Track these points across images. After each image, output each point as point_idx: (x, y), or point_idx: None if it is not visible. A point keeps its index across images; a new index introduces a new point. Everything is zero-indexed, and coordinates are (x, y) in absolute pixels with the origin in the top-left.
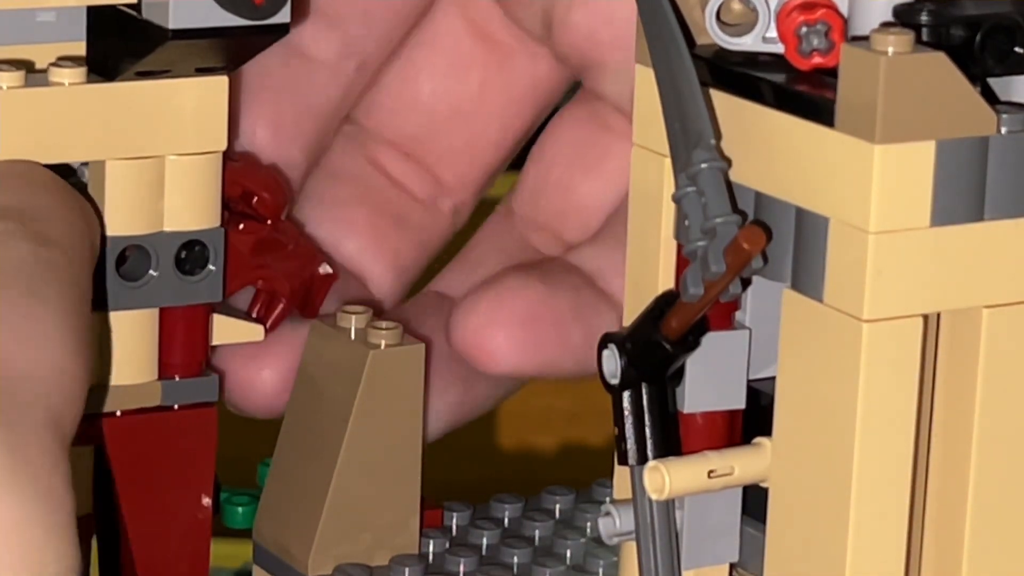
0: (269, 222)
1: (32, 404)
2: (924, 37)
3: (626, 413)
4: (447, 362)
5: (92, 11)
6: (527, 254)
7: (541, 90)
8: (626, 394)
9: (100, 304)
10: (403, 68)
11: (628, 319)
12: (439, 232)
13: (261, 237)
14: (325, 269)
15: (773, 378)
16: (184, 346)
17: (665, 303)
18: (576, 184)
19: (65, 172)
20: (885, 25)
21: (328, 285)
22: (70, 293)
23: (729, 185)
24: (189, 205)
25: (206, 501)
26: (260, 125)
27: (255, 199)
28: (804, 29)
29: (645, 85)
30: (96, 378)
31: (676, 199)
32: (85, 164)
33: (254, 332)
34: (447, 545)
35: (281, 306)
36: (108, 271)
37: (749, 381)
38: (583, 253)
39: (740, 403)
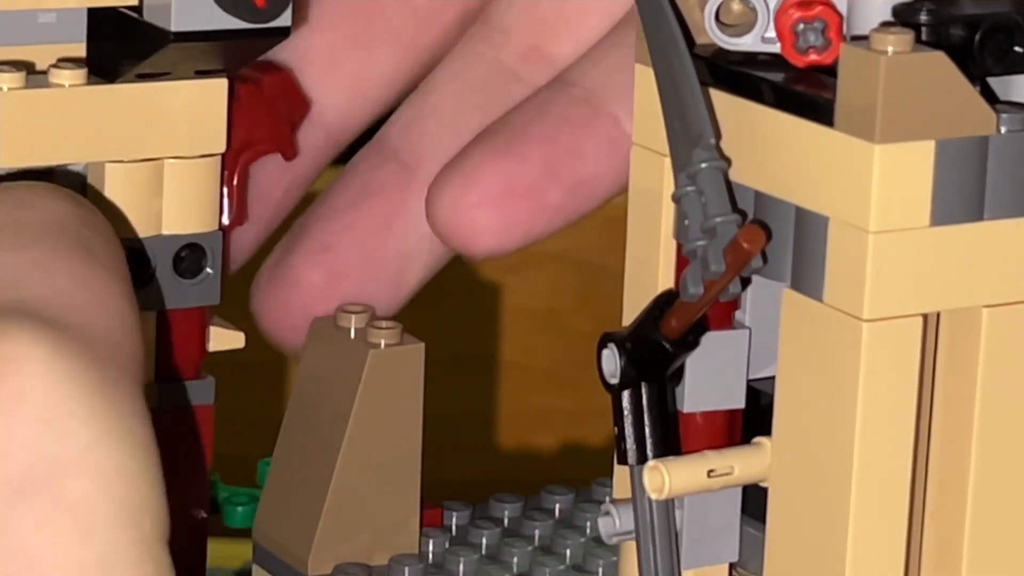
0: None
1: (117, 360)
2: (923, 36)
3: (625, 412)
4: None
5: (93, 13)
6: (500, 83)
7: None
8: (625, 394)
9: None
10: None
11: (628, 319)
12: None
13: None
14: None
15: (773, 378)
16: (181, 349)
17: (665, 302)
18: None
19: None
20: (884, 24)
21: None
22: (117, 254)
23: (729, 185)
24: (187, 208)
25: (202, 500)
26: None
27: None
28: (801, 26)
29: (645, 85)
30: None
31: (676, 198)
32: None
33: (236, 340)
34: (447, 545)
35: None
36: None
37: (749, 381)
38: (578, 70)
39: (740, 403)
